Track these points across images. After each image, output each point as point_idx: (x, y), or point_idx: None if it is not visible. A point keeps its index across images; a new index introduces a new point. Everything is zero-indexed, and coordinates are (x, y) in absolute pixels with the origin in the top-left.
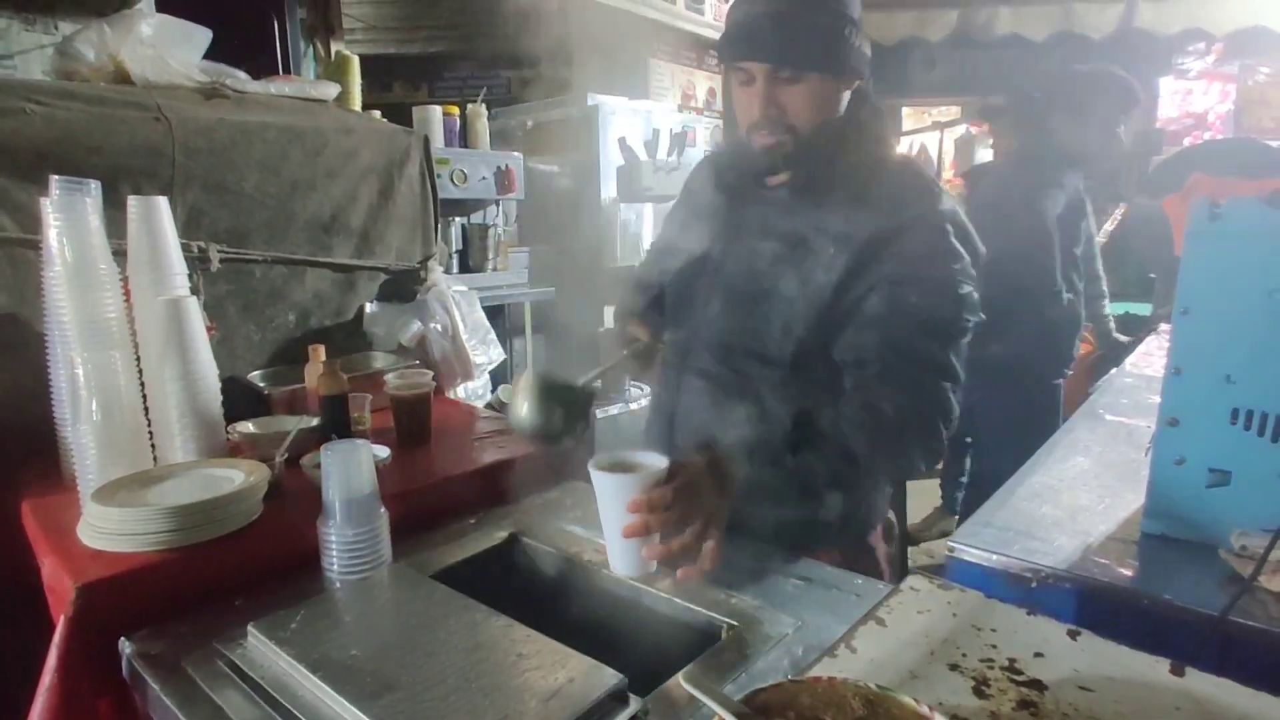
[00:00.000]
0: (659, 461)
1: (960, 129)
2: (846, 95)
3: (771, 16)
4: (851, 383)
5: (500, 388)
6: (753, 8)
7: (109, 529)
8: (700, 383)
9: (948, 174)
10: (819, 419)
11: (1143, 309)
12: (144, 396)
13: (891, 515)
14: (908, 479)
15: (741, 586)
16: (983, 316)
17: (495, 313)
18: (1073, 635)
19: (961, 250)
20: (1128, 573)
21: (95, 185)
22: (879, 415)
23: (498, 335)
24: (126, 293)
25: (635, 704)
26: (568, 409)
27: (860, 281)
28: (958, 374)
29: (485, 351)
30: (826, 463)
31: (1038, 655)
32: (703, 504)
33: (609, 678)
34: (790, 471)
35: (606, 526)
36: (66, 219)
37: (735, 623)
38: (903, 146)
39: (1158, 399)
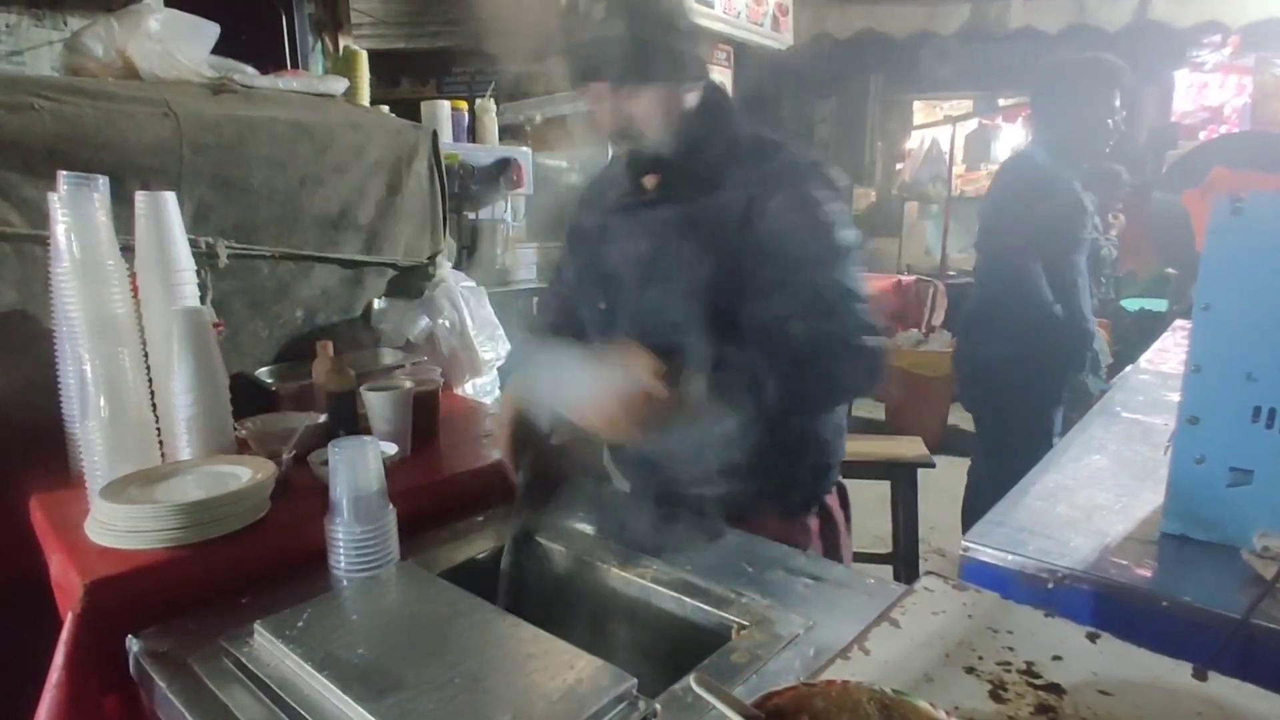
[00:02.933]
0: None
1: (972, 123)
2: (693, 94)
3: (593, 41)
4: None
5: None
6: (577, 35)
7: (117, 526)
8: None
9: (959, 169)
10: (741, 363)
11: (1159, 305)
12: (151, 393)
13: (832, 505)
14: (853, 396)
15: (751, 586)
16: (859, 233)
17: (503, 308)
18: (1092, 638)
19: (825, 194)
20: (1146, 574)
21: (103, 181)
22: (800, 342)
23: (505, 331)
24: (134, 289)
25: (645, 706)
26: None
27: (746, 255)
28: (859, 294)
29: (494, 348)
30: (759, 391)
31: (1056, 658)
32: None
33: (619, 679)
34: (724, 399)
35: None
36: (74, 215)
37: (745, 622)
38: (914, 141)
39: (1174, 396)
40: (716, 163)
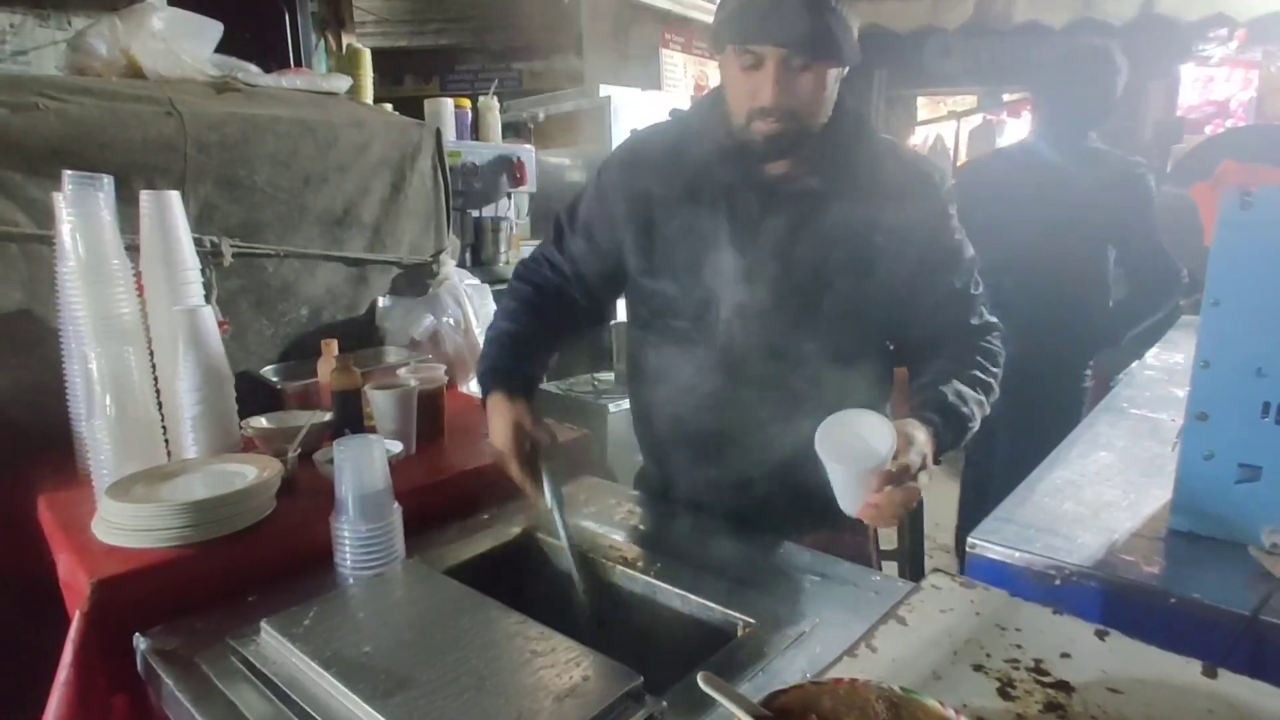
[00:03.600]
0: (883, 434)
1: (976, 119)
2: (839, 82)
3: (790, 1)
4: (920, 358)
5: None
6: None
7: (124, 525)
8: (757, 393)
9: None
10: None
11: None
12: (157, 392)
13: None
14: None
15: (757, 583)
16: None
17: None
18: (1100, 635)
19: (951, 203)
20: (1155, 571)
21: (108, 180)
22: (990, 353)
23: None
24: (140, 288)
25: (652, 704)
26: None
27: (898, 266)
28: (988, 302)
29: None
30: (974, 400)
31: (1064, 656)
32: (920, 477)
33: (626, 677)
34: (960, 412)
35: (841, 494)
36: (79, 214)
37: (752, 620)
38: (918, 137)
39: (1181, 392)
40: (860, 162)
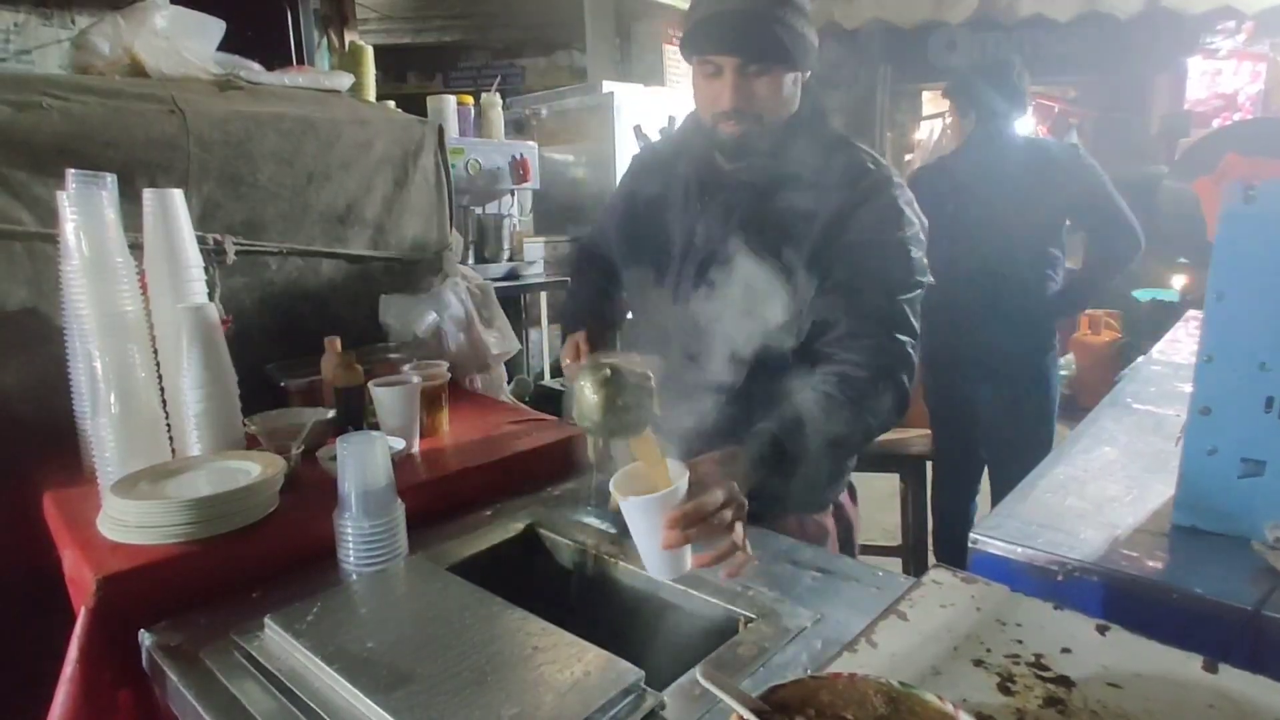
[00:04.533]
0: (675, 476)
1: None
2: (799, 83)
3: (740, 13)
4: (818, 345)
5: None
6: (720, 4)
7: (128, 521)
8: (684, 368)
9: None
10: (799, 391)
11: (1170, 295)
12: (161, 389)
13: (845, 501)
14: (882, 434)
15: (757, 578)
16: (932, 280)
17: (511, 303)
18: (1101, 630)
19: (913, 218)
20: (1157, 566)
21: (111, 179)
22: (852, 378)
23: (513, 326)
24: (143, 285)
25: (652, 698)
26: (635, 403)
27: (827, 254)
28: (916, 330)
29: (501, 342)
30: (815, 430)
31: (1065, 651)
32: (726, 500)
33: (627, 672)
34: (786, 447)
35: (639, 540)
36: (83, 213)
37: (752, 615)
38: (923, 131)
39: (1186, 387)
40: (815, 158)
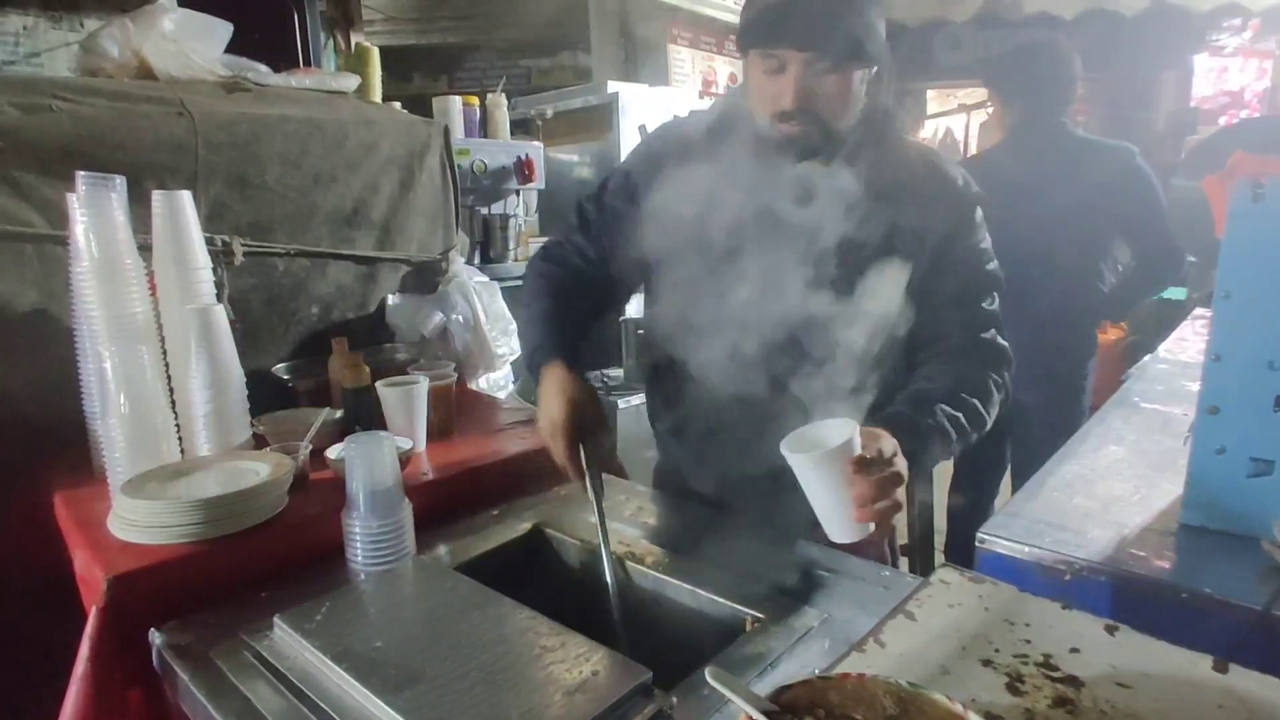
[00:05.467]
0: (845, 428)
1: (986, 111)
2: (866, 81)
3: (812, 2)
4: (924, 356)
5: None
6: None
7: (138, 521)
8: (773, 382)
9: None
10: (925, 382)
11: (1178, 293)
12: (170, 390)
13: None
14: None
15: (765, 578)
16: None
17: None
18: (1110, 630)
19: (985, 223)
20: (1165, 565)
21: (120, 181)
22: (971, 380)
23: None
24: (152, 287)
25: (661, 698)
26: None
27: (934, 268)
28: (1005, 333)
29: (507, 342)
30: (946, 418)
31: (1074, 651)
32: (895, 462)
33: (635, 673)
34: (923, 428)
35: (817, 501)
36: (93, 215)
37: (760, 615)
38: (927, 130)
39: (1193, 386)
40: (886, 164)
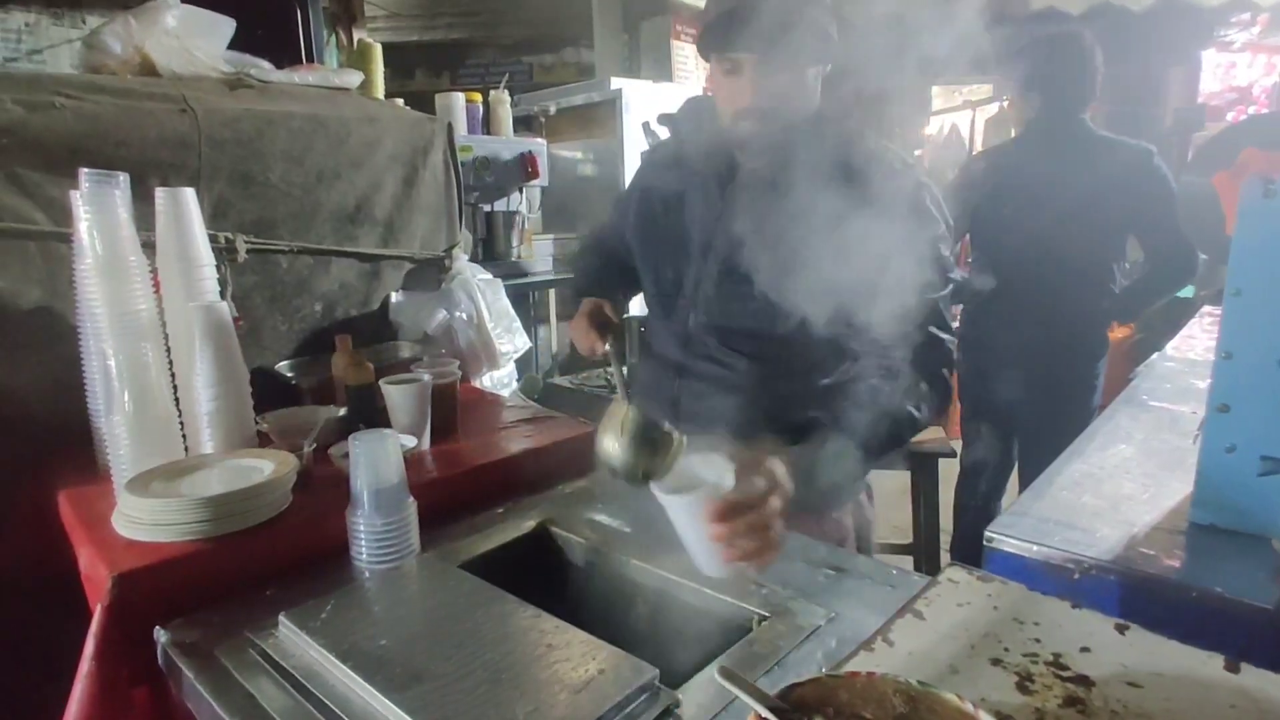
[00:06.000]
0: (715, 470)
1: (993, 108)
2: (820, 78)
3: (757, 8)
4: (856, 344)
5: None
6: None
7: (143, 519)
8: (708, 367)
9: None
10: (845, 388)
11: (1186, 290)
12: (174, 388)
13: (863, 499)
14: (926, 428)
15: (771, 576)
16: (960, 276)
17: (520, 300)
18: (1120, 629)
19: (939, 217)
20: (1175, 564)
21: (124, 178)
22: (896, 374)
23: (522, 323)
24: (156, 284)
25: (667, 696)
26: (658, 453)
27: (855, 254)
28: (951, 327)
29: (510, 340)
30: (860, 424)
31: (1084, 650)
32: (769, 490)
33: (641, 671)
34: (831, 440)
35: (685, 536)
36: (96, 212)
37: (766, 614)
38: (933, 127)
39: (1202, 383)
40: (840, 156)
